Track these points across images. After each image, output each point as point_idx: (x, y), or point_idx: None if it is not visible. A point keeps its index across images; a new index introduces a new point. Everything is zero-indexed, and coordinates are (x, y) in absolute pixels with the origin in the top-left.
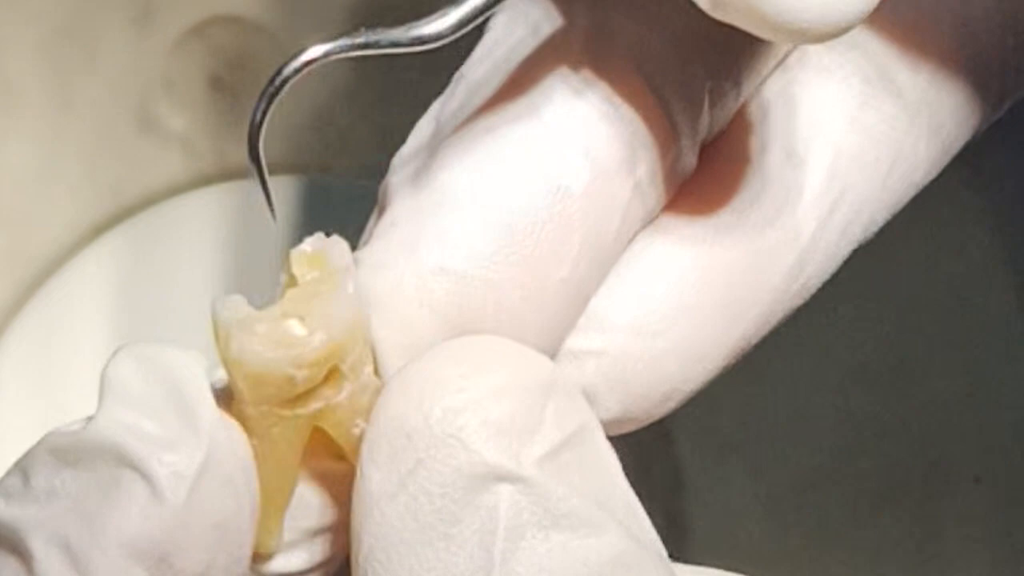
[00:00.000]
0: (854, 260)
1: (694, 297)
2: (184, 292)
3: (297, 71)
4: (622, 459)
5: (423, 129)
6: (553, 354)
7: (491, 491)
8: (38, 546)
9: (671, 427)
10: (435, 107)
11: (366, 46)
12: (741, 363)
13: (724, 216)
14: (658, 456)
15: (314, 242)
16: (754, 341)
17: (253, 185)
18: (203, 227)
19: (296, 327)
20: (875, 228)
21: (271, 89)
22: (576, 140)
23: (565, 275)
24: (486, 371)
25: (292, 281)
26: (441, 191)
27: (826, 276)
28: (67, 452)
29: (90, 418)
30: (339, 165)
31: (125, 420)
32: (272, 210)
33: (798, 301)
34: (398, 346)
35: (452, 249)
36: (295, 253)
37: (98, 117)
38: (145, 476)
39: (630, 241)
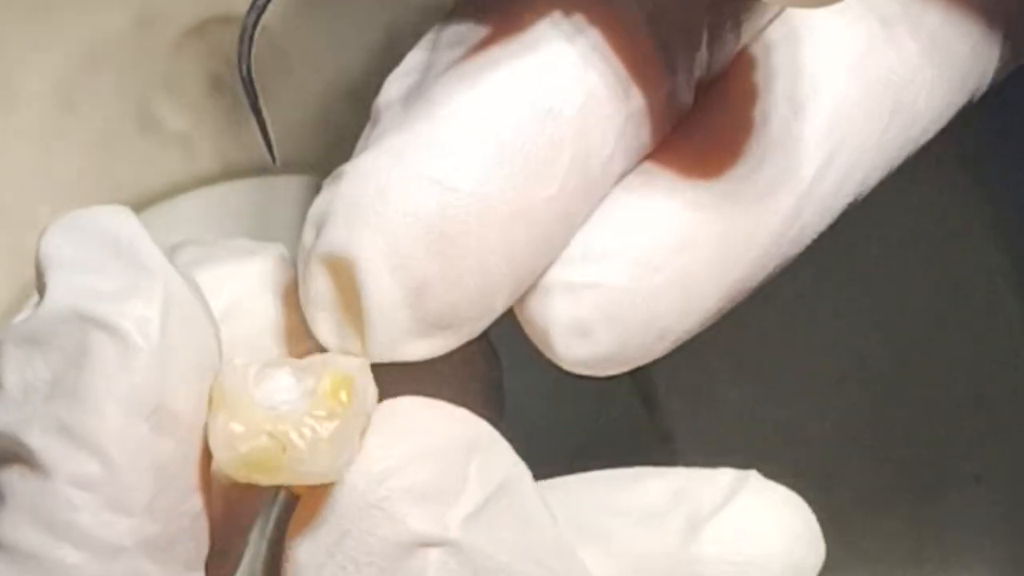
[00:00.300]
0: (855, 259)
1: (693, 234)
2: None
3: None
4: (621, 459)
5: (421, 48)
6: (539, 275)
7: (418, 556)
8: (34, 441)
9: (671, 427)
10: (435, 29)
11: None
12: (740, 363)
13: (724, 156)
14: (658, 456)
15: (350, 372)
16: (750, 285)
17: (253, 185)
18: (203, 227)
19: (277, 460)
20: (871, 183)
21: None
22: (571, 68)
23: (553, 193)
24: (408, 436)
25: (311, 391)
26: (432, 104)
27: (821, 227)
28: (31, 336)
29: (39, 302)
30: (340, 165)
31: (75, 285)
32: (265, 132)
33: (794, 249)
34: (380, 254)
35: (440, 160)
36: (336, 376)
37: (98, 117)
38: (112, 331)
39: (624, 174)
